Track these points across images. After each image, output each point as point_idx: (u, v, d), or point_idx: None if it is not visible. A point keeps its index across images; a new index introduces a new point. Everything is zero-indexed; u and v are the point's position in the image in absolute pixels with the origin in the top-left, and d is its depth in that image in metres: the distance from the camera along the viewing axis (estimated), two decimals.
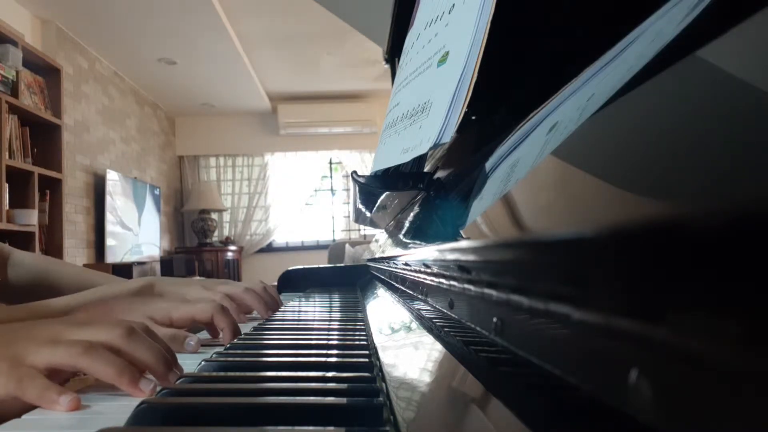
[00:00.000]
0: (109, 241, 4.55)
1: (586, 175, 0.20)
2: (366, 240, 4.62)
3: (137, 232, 5.08)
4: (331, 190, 6.83)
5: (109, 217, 4.55)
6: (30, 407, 0.38)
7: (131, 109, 5.33)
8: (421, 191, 0.52)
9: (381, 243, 1.09)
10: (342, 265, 1.94)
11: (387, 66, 1.28)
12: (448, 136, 0.38)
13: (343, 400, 0.34)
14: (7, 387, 0.38)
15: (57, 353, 0.40)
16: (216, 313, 0.65)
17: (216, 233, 6.39)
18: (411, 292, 0.58)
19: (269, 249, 6.63)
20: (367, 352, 0.50)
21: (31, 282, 0.95)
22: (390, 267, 0.80)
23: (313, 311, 0.98)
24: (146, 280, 0.81)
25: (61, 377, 0.41)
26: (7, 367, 0.39)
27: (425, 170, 0.67)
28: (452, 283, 0.34)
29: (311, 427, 0.32)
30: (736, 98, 0.14)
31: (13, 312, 0.64)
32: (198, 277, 4.91)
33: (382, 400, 0.33)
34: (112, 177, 4.67)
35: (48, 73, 3.77)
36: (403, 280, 0.66)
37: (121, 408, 0.37)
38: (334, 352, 0.53)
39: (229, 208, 6.56)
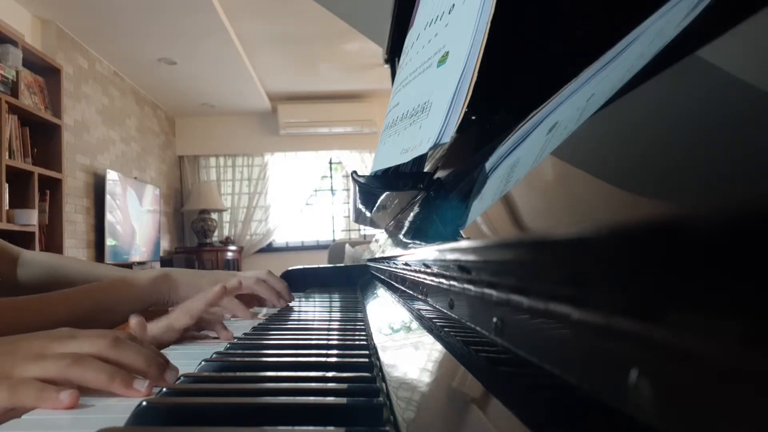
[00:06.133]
0: (109, 241, 4.55)
1: (586, 175, 0.20)
2: (366, 240, 4.62)
3: (137, 232, 5.08)
4: (331, 190, 6.82)
5: (109, 217, 4.54)
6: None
7: (131, 109, 5.33)
8: (421, 191, 0.52)
9: (381, 243, 1.09)
10: (342, 265, 1.94)
11: (387, 66, 1.28)
12: (448, 136, 0.38)
13: (343, 400, 0.34)
14: (0, 398, 0.38)
15: (46, 367, 0.40)
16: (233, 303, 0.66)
17: (216, 233, 6.39)
18: (411, 292, 0.58)
19: (269, 249, 6.62)
20: (367, 352, 0.50)
21: (41, 280, 0.96)
22: (390, 267, 0.80)
23: (313, 311, 0.98)
24: (162, 270, 0.85)
25: None
26: None
27: (425, 170, 0.67)
28: (452, 283, 0.34)
29: (311, 427, 0.32)
30: (736, 98, 0.14)
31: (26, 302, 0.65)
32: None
33: (382, 400, 0.33)
34: (112, 177, 4.66)
35: (48, 73, 3.76)
36: (403, 280, 0.66)
37: (121, 408, 0.36)
38: (334, 352, 0.53)
39: (229, 208, 6.55)
